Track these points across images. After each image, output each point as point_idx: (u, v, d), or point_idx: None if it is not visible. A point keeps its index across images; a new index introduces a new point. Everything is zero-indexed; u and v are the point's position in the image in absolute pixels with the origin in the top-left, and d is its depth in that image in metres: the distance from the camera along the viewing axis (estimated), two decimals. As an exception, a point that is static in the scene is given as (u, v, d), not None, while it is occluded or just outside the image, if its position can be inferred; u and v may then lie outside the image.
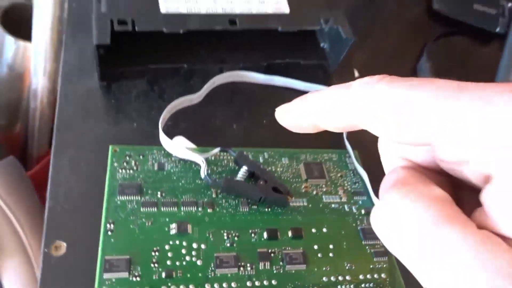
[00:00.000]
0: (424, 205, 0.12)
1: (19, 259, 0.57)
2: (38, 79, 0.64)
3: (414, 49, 0.40)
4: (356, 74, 0.37)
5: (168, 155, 0.29)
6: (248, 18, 0.32)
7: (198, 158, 0.28)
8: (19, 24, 0.65)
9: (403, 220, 0.12)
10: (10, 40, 0.63)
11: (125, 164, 0.28)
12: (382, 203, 0.13)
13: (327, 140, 0.34)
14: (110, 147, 0.29)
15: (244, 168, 0.28)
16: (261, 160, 0.30)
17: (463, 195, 0.14)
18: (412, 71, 0.39)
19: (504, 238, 0.11)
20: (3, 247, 0.56)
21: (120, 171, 0.28)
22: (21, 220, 0.56)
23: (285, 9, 0.33)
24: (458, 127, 0.11)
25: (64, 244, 0.26)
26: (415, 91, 0.12)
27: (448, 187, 0.14)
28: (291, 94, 0.35)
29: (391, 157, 0.16)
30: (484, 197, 0.12)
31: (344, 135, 0.33)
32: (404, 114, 0.12)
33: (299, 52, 0.37)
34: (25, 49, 0.64)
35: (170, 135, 0.31)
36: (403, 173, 0.14)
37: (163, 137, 0.29)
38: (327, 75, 0.37)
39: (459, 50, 0.43)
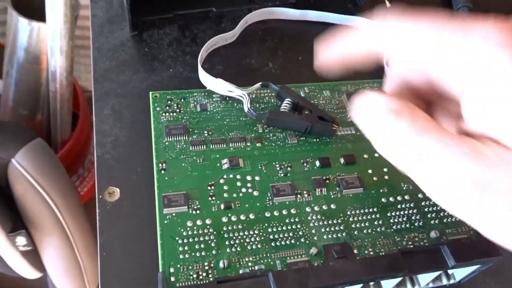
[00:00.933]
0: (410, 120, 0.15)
1: (57, 237, 0.57)
2: (56, 60, 0.64)
3: None
4: (388, 4, 0.36)
5: (209, 96, 0.29)
6: (276, -50, 0.31)
7: (240, 93, 0.28)
8: (31, 7, 0.64)
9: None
10: (23, 23, 0.62)
11: (167, 108, 0.28)
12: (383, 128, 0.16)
13: (366, 71, 0.33)
14: (150, 93, 0.28)
15: (287, 100, 0.28)
16: (302, 94, 0.30)
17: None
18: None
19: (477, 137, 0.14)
20: (42, 226, 0.57)
21: (164, 114, 0.27)
22: (55, 199, 0.56)
23: None
24: (442, 51, 0.15)
25: (117, 190, 0.26)
26: (415, 24, 0.15)
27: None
28: (325, 28, 0.34)
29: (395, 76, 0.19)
30: (462, 106, 0.15)
31: (384, 62, 0.32)
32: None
33: (327, -13, 0.36)
34: (40, 31, 0.64)
35: (208, 78, 0.30)
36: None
37: (203, 75, 0.28)
38: (357, 8, 0.35)
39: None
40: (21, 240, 0.56)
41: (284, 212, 0.24)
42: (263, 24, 0.33)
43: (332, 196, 0.25)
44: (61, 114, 0.71)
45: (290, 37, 0.33)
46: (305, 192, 0.25)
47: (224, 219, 0.23)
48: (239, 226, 0.23)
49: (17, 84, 0.69)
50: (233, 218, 0.23)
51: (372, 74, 0.32)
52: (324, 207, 0.25)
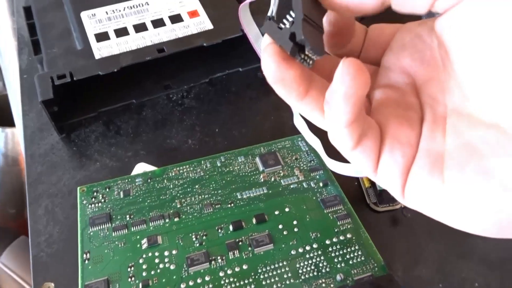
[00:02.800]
0: None
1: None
2: (31, 159, 0.68)
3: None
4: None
5: (132, 181, 0.31)
6: (175, 43, 0.35)
7: None
8: (1, 114, 0.70)
9: None
10: (-3, 130, 0.67)
11: (93, 199, 0.30)
12: None
13: (280, 131, 0.36)
14: (78, 188, 0.31)
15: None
16: (218, 164, 0.32)
17: None
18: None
19: None
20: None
21: (90, 206, 0.30)
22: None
23: (209, 26, 0.36)
24: None
25: (52, 285, 0.28)
26: None
27: None
28: (238, 101, 0.38)
29: None
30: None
31: (294, 118, 0.34)
32: None
33: (237, 61, 0.39)
34: (13, 135, 0.69)
35: (132, 164, 0.33)
36: None
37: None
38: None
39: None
40: None
41: (199, 280, 0.26)
42: (180, 106, 0.37)
43: (244, 257, 0.27)
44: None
45: (206, 112, 0.37)
46: (219, 257, 0.27)
47: (142, 298, 0.25)
48: (155, 302, 0.25)
49: (1, 187, 0.73)
50: (150, 295, 0.25)
51: (285, 134, 0.35)
52: (236, 268, 0.26)
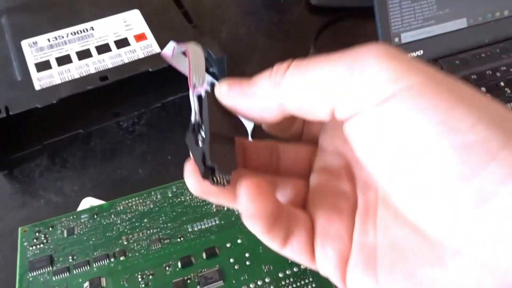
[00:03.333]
0: None
1: None
2: None
3: (303, 48, 0.41)
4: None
5: (77, 218, 0.30)
6: (119, 70, 0.33)
7: None
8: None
9: None
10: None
11: (35, 240, 0.29)
12: None
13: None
14: (19, 229, 0.29)
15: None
16: (169, 194, 0.31)
17: None
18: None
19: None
20: None
21: (31, 248, 0.28)
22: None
23: (157, 49, 0.35)
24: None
25: (-11, 337, 0.26)
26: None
27: None
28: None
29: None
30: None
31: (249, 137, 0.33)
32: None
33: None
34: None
35: (79, 199, 0.31)
36: None
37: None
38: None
39: (348, 33, 0.44)
40: None
41: (143, 326, 0.24)
42: (131, 133, 0.35)
43: (193, 297, 0.25)
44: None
45: (158, 139, 0.35)
46: (165, 299, 0.25)
47: None
48: None
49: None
50: None
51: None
52: (183, 310, 0.25)
